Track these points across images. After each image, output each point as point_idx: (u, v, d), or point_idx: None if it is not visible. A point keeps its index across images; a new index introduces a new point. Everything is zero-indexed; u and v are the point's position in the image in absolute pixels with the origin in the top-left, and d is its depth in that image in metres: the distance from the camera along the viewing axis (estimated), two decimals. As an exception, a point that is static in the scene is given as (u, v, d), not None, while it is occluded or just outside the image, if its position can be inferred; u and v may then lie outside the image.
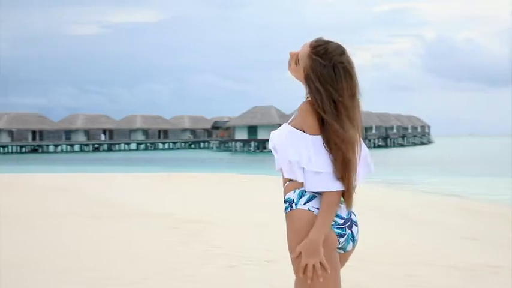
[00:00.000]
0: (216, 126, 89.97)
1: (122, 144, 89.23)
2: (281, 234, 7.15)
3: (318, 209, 2.51)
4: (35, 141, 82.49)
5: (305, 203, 2.50)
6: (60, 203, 11.91)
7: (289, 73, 2.68)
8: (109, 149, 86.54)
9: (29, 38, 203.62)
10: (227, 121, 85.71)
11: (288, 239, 2.54)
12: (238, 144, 77.79)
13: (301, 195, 2.52)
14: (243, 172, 27.03)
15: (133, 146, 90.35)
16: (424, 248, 7.57)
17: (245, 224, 9.10)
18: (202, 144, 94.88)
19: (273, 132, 2.66)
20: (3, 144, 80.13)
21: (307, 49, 2.57)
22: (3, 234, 7.85)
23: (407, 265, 6.33)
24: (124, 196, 13.27)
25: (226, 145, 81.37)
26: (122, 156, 64.99)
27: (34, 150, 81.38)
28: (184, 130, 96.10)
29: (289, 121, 2.64)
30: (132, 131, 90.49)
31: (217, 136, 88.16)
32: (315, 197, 2.52)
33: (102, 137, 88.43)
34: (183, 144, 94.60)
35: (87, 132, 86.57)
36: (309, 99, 2.57)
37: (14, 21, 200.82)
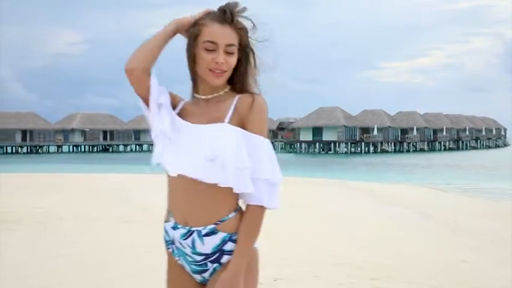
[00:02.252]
0: (281, 127, 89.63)
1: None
2: (295, 248, 6.54)
3: None
4: (106, 141, 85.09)
5: None
6: (100, 205, 11.82)
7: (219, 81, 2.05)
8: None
9: (104, 41, 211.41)
10: (292, 122, 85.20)
11: (252, 285, 2.01)
12: (303, 145, 77.11)
13: None
14: (305, 175, 26.51)
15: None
16: (472, 265, 6.75)
17: (281, 236, 8.47)
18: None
19: (210, 136, 1.94)
20: (76, 144, 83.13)
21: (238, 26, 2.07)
22: (24, 238, 7.69)
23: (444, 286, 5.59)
24: (161, 199, 12.98)
25: (292, 146, 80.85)
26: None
27: (105, 150, 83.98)
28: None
29: (225, 119, 1.95)
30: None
31: (282, 137, 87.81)
32: None
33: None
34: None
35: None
36: (257, 93, 2.01)
37: (90, 25, 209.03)
